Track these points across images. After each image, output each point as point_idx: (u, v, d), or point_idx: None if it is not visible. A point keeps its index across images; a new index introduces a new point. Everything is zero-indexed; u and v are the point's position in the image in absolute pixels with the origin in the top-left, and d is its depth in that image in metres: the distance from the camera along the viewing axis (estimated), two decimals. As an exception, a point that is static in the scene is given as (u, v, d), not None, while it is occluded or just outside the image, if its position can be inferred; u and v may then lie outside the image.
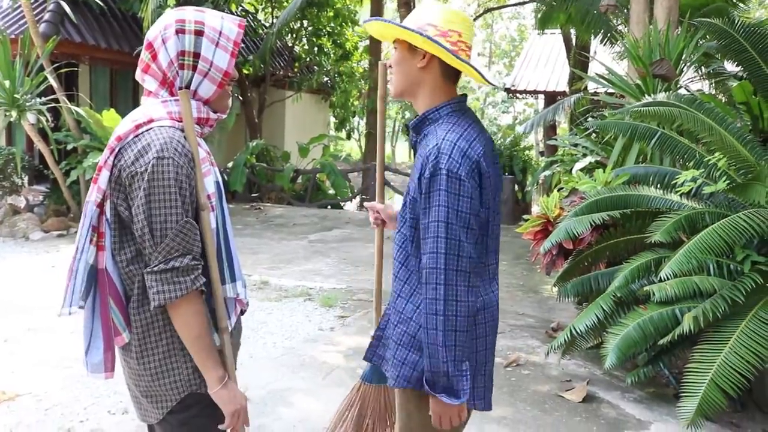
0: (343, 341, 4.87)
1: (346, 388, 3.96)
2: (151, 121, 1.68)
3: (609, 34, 10.32)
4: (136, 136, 1.67)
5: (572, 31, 13.42)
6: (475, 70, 1.86)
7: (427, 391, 1.78)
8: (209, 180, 1.75)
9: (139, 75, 1.78)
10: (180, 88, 1.73)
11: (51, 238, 8.91)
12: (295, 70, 16.13)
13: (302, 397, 3.87)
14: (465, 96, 1.94)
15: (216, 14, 1.77)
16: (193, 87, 1.74)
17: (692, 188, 3.84)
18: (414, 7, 12.68)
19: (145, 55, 1.75)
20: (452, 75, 1.91)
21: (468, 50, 1.88)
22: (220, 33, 1.74)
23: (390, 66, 1.98)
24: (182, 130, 1.70)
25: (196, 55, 1.71)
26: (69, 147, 9.51)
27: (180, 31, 1.70)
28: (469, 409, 1.90)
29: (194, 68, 1.72)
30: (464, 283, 1.72)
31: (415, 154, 1.96)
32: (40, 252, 8.03)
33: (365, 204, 2.49)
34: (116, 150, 1.68)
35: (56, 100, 9.08)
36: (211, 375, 1.71)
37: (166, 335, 1.72)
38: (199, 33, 1.71)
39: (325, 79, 16.15)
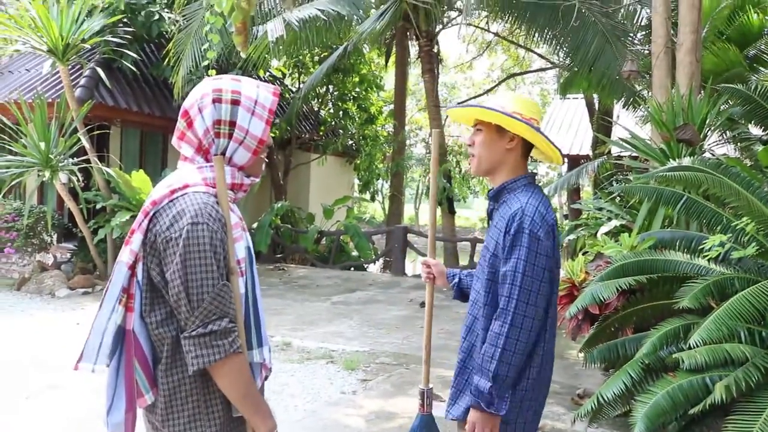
0: (366, 405, 4.80)
1: (368, 454, 3.90)
2: (186, 186, 1.72)
3: (631, 99, 10.42)
4: (171, 201, 1.70)
5: (595, 96, 13.56)
6: (560, 152, 2.25)
7: (470, 402, 2.10)
8: (240, 245, 1.77)
9: (175, 141, 1.83)
10: (215, 155, 1.76)
11: (77, 295, 9.00)
12: (321, 133, 16.42)
13: (323, 462, 3.80)
14: (534, 174, 2.29)
15: (252, 83, 1.82)
16: (228, 154, 1.78)
17: (720, 253, 3.79)
18: (438, 74, 12.95)
19: (180, 123, 1.80)
20: (527, 154, 2.26)
21: None
22: (256, 102, 1.78)
23: (471, 145, 2.28)
24: (216, 196, 1.74)
25: (232, 124, 1.76)
26: (98, 206, 9.69)
27: (217, 101, 1.75)
28: None
29: (230, 136, 1.77)
30: (528, 326, 2.02)
31: (489, 220, 2.32)
32: (66, 309, 8.10)
33: (420, 259, 2.76)
34: (151, 214, 1.71)
35: (88, 161, 9.32)
36: (261, 427, 1.73)
37: (192, 398, 1.73)
38: (235, 102, 1.76)
39: (350, 142, 16.41)
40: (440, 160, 12.56)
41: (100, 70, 9.99)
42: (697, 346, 3.11)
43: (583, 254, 5.37)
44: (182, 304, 1.64)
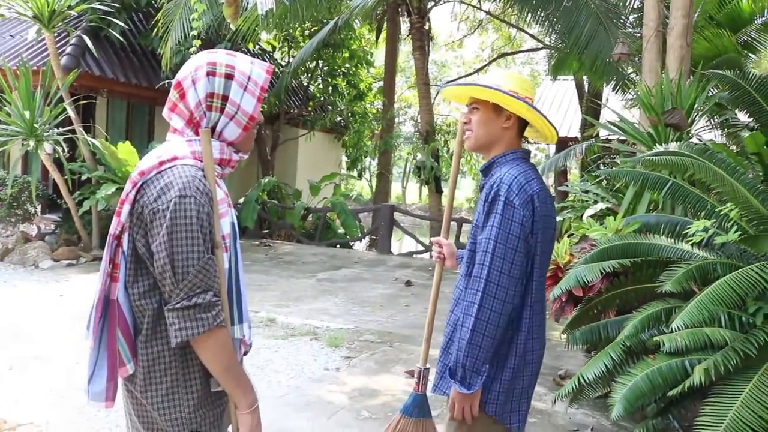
0: (349, 382, 4.83)
1: (351, 429, 3.93)
2: (174, 159, 1.71)
3: (621, 82, 10.42)
4: (159, 172, 1.70)
5: (585, 78, 13.54)
6: (555, 130, 2.28)
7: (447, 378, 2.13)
8: (225, 221, 1.77)
9: (166, 113, 1.81)
10: (204, 129, 1.76)
11: (60, 267, 8.95)
12: (309, 108, 16.32)
13: (305, 437, 3.82)
14: (528, 151, 2.32)
15: (246, 59, 1.81)
16: (218, 128, 1.78)
17: (704, 238, 3.82)
18: (428, 51, 12.87)
19: (173, 94, 1.78)
20: (522, 131, 2.29)
21: None
22: (249, 78, 1.77)
23: (466, 122, 2.29)
24: (204, 170, 1.73)
25: (225, 98, 1.75)
26: (83, 177, 9.61)
27: (211, 74, 1.74)
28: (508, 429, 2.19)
29: (221, 110, 1.76)
30: (501, 296, 2.02)
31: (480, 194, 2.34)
32: (49, 281, 8.06)
33: (432, 239, 2.68)
34: (138, 185, 1.70)
35: (73, 131, 9.22)
36: (242, 400, 1.74)
37: (171, 371, 1.73)
38: (229, 76, 1.75)
39: (339, 118, 16.32)
40: (429, 139, 12.58)
41: (86, 39, 9.84)
42: (679, 330, 3.14)
43: (569, 236, 5.39)
44: (167, 276, 1.63)
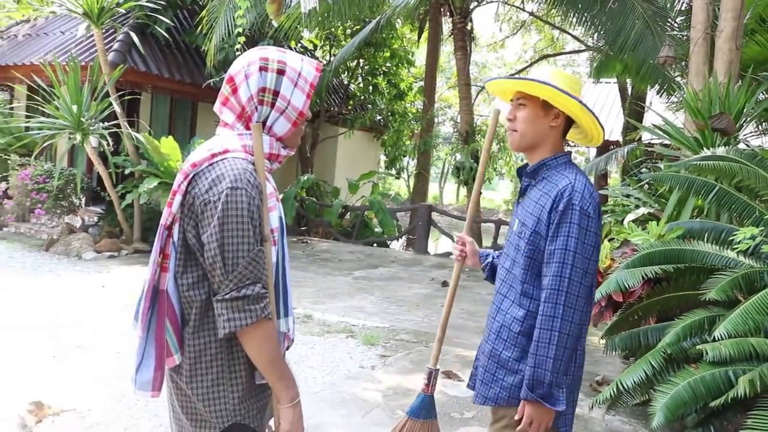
0: (384, 380, 4.83)
1: (385, 428, 3.93)
2: (226, 152, 1.73)
3: (666, 86, 10.23)
4: (211, 164, 1.71)
5: (628, 80, 13.33)
6: (603, 131, 2.17)
7: (525, 396, 2.01)
8: (274, 215, 1.79)
9: (217, 107, 1.83)
10: (255, 123, 1.78)
11: (103, 258, 9.14)
12: (349, 107, 16.38)
13: (339, 434, 3.84)
14: (570, 153, 2.23)
15: (297, 56, 1.84)
16: (269, 123, 1.80)
17: (750, 246, 3.73)
18: (470, 52, 12.82)
19: (225, 89, 1.80)
20: (566, 133, 2.21)
21: None
22: (299, 74, 1.80)
23: (512, 120, 2.19)
24: (253, 164, 1.75)
25: (276, 93, 1.77)
26: (126, 171, 9.80)
27: (263, 69, 1.76)
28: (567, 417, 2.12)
29: (272, 105, 1.78)
30: (581, 307, 1.97)
31: (520, 197, 2.27)
32: (91, 272, 8.24)
33: (456, 234, 2.58)
34: (191, 176, 1.72)
35: (118, 126, 9.40)
36: (284, 394, 1.75)
37: (217, 362, 1.75)
38: (281, 72, 1.78)
39: (378, 117, 16.35)
40: (469, 139, 12.53)
41: (133, 35, 10.03)
42: (722, 339, 3.07)
43: (609, 241, 5.31)
44: (217, 267, 1.65)
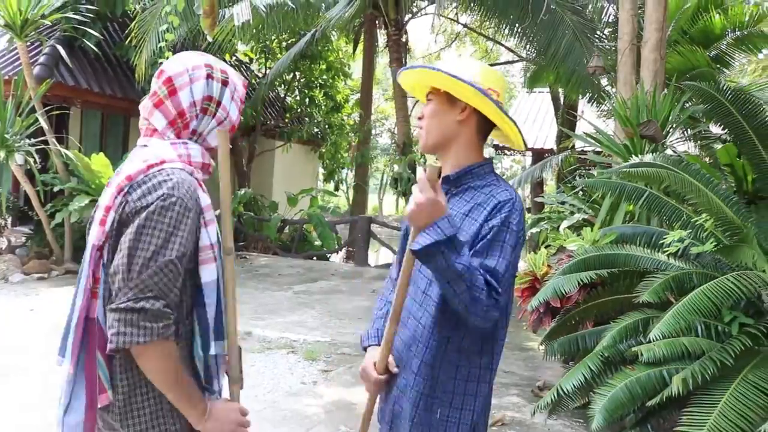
0: (326, 395, 4.77)
1: (328, 444, 3.88)
2: (163, 162, 1.63)
3: (596, 95, 10.53)
4: (146, 175, 1.60)
5: (560, 90, 13.68)
6: (518, 129, 1.86)
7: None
8: (213, 229, 1.68)
9: (147, 108, 1.71)
10: (194, 131, 1.71)
11: (31, 281, 8.77)
12: (286, 120, 16.27)
13: (282, 452, 3.76)
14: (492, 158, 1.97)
15: (231, 69, 1.80)
16: (205, 133, 1.74)
17: (679, 249, 3.84)
18: (405, 63, 12.91)
19: (161, 90, 1.69)
20: (484, 133, 1.90)
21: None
22: (236, 88, 1.76)
23: (420, 118, 1.92)
24: (191, 174, 1.66)
25: (218, 104, 1.72)
26: (56, 189, 9.45)
27: (210, 77, 1.70)
28: None
29: (214, 115, 1.72)
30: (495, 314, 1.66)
31: None
32: (19, 295, 7.89)
33: (363, 369, 2.12)
34: (125, 190, 1.59)
35: (46, 142, 9.07)
36: (192, 413, 1.61)
37: (152, 397, 1.60)
38: (224, 83, 1.73)
39: (316, 130, 16.29)
40: (406, 150, 12.59)
41: (60, 48, 9.72)
42: (657, 340, 3.14)
43: (546, 248, 5.40)
44: (120, 271, 1.48)
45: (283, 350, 5.93)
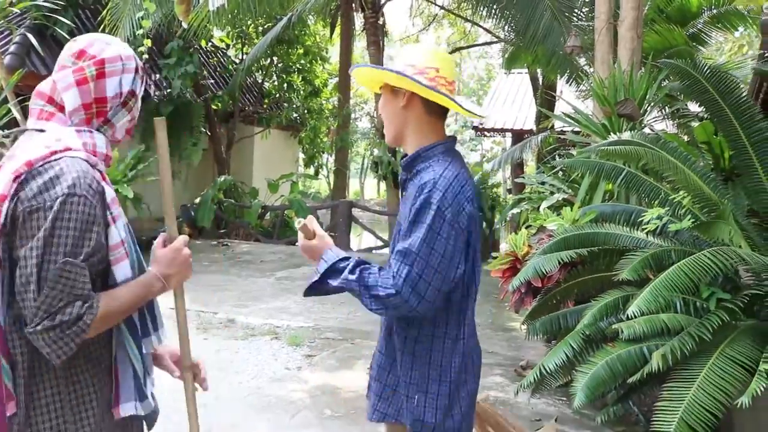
0: (311, 380, 4.78)
1: (313, 429, 3.88)
2: (67, 149, 1.51)
3: (574, 74, 10.55)
4: (48, 163, 1.47)
5: (538, 70, 13.69)
6: (453, 101, 1.88)
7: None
8: (120, 224, 1.58)
9: (64, 82, 1.57)
10: (107, 121, 1.65)
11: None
12: (265, 106, 16.15)
13: (267, 438, 3.77)
14: (454, 138, 1.98)
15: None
16: (117, 125, 1.68)
17: (658, 226, 3.87)
18: (383, 46, 12.86)
19: (89, 69, 1.58)
20: (437, 112, 1.93)
21: (448, 84, 1.91)
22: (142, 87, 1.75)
23: (379, 114, 2.03)
24: (94, 166, 1.55)
25: (136, 99, 1.69)
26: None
27: (137, 71, 1.67)
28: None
29: (130, 111, 1.69)
30: (408, 296, 1.73)
31: (403, 192, 1.99)
32: None
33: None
34: (23, 177, 1.46)
35: (20, 133, 8.91)
36: (151, 290, 1.62)
37: (55, 407, 1.50)
38: (142, 81, 1.71)
39: (295, 115, 16.18)
40: (383, 133, 12.57)
41: (31, 37, 9.51)
42: (635, 317, 3.17)
43: (527, 228, 5.43)
44: (30, 289, 1.39)
45: (266, 336, 5.92)
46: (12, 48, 10.08)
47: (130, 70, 1.65)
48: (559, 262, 4.00)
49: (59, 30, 10.02)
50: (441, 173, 1.79)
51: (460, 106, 1.91)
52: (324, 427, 3.94)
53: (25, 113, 8.98)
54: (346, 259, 1.84)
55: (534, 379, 3.75)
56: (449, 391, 1.86)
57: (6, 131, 8.74)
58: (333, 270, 1.83)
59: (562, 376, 3.93)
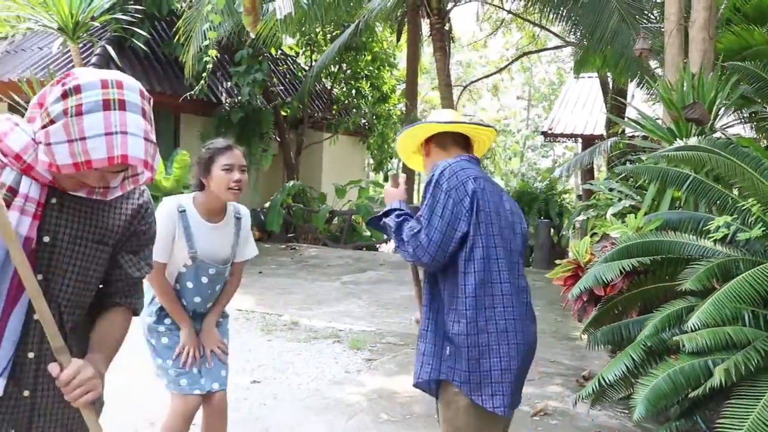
0: (369, 384, 4.81)
1: (367, 433, 3.92)
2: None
3: (645, 78, 10.26)
4: None
5: (609, 74, 13.37)
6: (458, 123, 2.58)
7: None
8: None
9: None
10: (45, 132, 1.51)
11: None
12: (333, 112, 16.36)
13: (323, 441, 3.82)
14: (470, 157, 2.51)
15: None
16: (41, 152, 1.52)
17: (726, 235, 3.73)
18: (449, 52, 12.83)
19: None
20: (454, 144, 2.56)
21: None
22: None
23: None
24: None
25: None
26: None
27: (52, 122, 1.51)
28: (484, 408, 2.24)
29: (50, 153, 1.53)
30: (417, 245, 2.28)
31: None
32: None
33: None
34: None
35: (99, 140, 9.33)
36: None
37: None
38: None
39: (363, 121, 16.33)
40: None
41: (110, 49, 9.98)
42: (696, 329, 3.07)
43: (592, 236, 5.32)
44: None
45: (329, 339, 6.00)
46: (93, 59, 10.59)
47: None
48: (621, 271, 3.90)
49: (136, 41, 10.48)
50: (446, 162, 2.37)
51: (469, 124, 2.62)
52: (379, 431, 3.96)
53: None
54: (403, 211, 2.46)
55: (593, 390, 3.67)
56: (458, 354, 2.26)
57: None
58: (390, 213, 2.47)
59: (623, 388, 3.83)
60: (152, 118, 1.59)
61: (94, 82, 1.46)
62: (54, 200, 1.57)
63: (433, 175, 2.33)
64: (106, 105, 1.45)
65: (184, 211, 2.82)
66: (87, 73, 1.49)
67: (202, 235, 2.83)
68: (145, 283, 2.68)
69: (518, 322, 2.27)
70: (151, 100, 1.61)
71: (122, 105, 1.47)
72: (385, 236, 13.29)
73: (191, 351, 2.82)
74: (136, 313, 1.86)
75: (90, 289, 1.69)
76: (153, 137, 1.55)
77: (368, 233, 13.47)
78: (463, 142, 2.57)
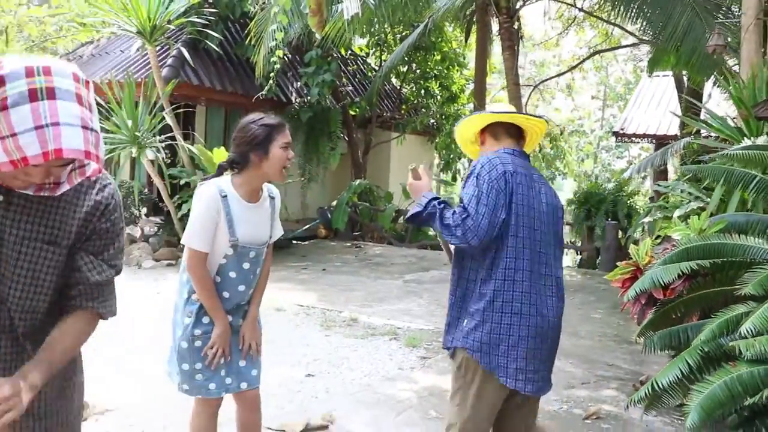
0: (421, 381, 4.84)
1: (416, 428, 3.94)
2: None
3: (721, 76, 9.86)
4: None
5: (684, 73, 12.92)
6: (497, 112, 2.83)
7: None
8: None
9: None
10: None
11: (161, 267, 9.45)
12: (402, 112, 16.43)
13: (371, 434, 3.87)
14: (513, 150, 2.71)
15: None
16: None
17: (794, 238, 3.57)
18: (518, 51, 12.67)
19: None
20: (504, 135, 2.78)
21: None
22: None
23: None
24: None
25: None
26: (182, 182, 10.09)
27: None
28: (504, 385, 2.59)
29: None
30: (466, 229, 2.48)
31: None
32: (149, 279, 8.52)
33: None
34: None
35: (173, 138, 9.71)
36: None
37: None
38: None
39: (431, 121, 16.33)
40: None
41: (185, 51, 10.34)
42: (751, 334, 2.95)
43: (655, 238, 5.18)
44: None
45: (386, 337, 6.05)
46: (169, 61, 10.99)
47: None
48: (680, 274, 3.79)
49: (210, 43, 10.82)
50: (487, 159, 2.60)
51: (521, 114, 2.90)
52: (426, 428, 3.98)
53: (178, 120, 9.82)
54: (437, 197, 2.63)
55: (645, 394, 3.57)
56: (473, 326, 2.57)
57: (163, 137, 9.55)
58: (430, 202, 2.61)
59: (679, 394, 3.72)
60: (92, 103, 1.47)
61: (17, 71, 1.35)
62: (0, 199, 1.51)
63: (474, 168, 2.59)
64: (33, 95, 1.34)
65: (226, 196, 2.70)
66: (11, 62, 1.36)
67: (243, 218, 2.72)
68: (185, 277, 2.75)
69: (534, 307, 2.57)
70: (90, 84, 1.49)
71: (51, 93, 1.36)
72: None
73: (220, 351, 2.72)
74: (104, 318, 1.77)
75: (43, 293, 1.61)
76: (93, 124, 1.43)
77: (433, 233, 13.46)
78: (516, 133, 2.80)
